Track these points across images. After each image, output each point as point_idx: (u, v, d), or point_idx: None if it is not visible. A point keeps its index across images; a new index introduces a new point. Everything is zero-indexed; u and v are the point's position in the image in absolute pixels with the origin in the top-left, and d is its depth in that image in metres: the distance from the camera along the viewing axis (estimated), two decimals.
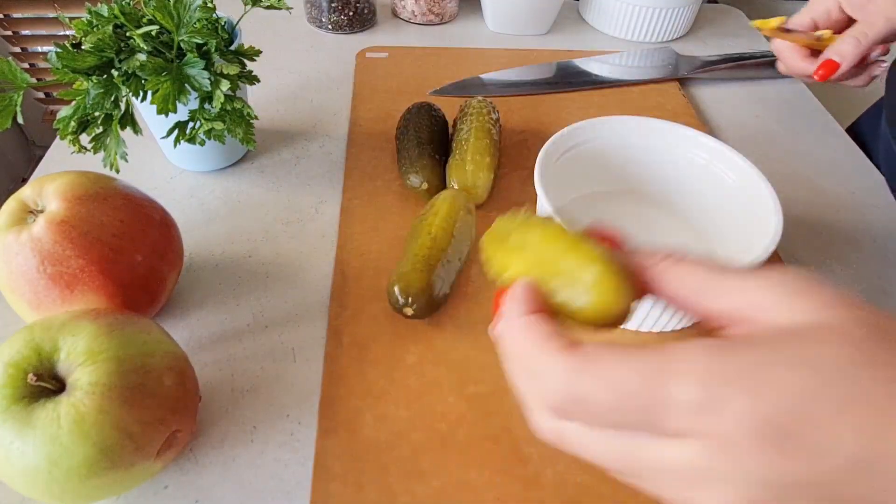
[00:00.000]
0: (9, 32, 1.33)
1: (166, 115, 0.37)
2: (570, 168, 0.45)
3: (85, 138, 0.39)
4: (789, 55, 0.52)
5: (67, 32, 1.33)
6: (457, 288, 0.42)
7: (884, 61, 0.51)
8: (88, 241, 0.32)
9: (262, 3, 0.43)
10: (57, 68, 0.36)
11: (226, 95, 0.39)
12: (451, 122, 0.53)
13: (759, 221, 0.39)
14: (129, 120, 0.39)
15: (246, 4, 0.43)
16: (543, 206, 0.38)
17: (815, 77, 0.49)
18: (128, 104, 0.39)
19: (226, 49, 0.42)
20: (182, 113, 0.40)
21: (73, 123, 0.38)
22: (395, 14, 0.73)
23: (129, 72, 0.37)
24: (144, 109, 0.45)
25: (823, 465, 0.16)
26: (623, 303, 0.20)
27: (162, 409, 0.28)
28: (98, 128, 0.39)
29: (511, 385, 0.21)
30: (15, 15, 1.31)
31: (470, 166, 0.45)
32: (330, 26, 0.69)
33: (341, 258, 0.43)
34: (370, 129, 0.55)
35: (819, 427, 0.16)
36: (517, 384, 0.21)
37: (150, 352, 0.29)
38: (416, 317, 0.38)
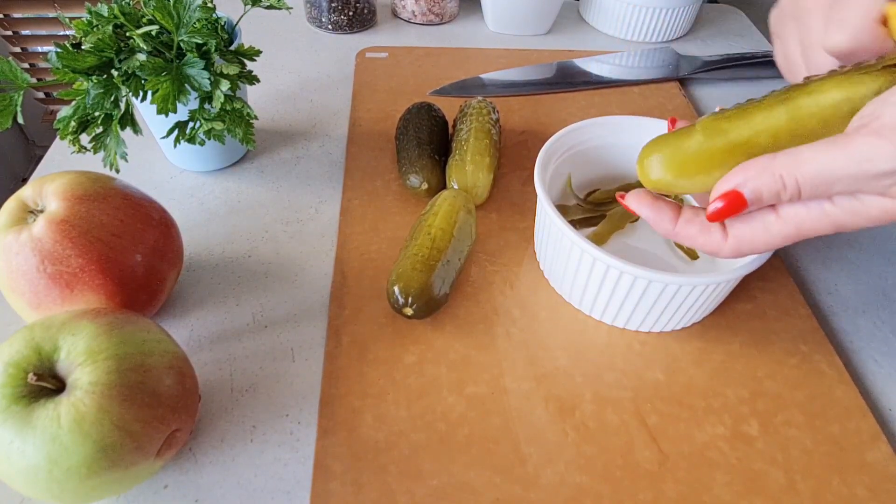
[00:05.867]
0: (9, 32, 1.33)
1: (166, 115, 0.37)
2: (570, 168, 0.45)
3: (85, 138, 0.39)
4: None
5: (67, 32, 1.33)
6: (457, 288, 0.42)
7: None
8: (88, 240, 0.32)
9: (262, 3, 0.43)
10: (57, 68, 0.36)
11: (226, 95, 0.39)
12: (451, 123, 0.53)
13: None
14: (129, 120, 0.39)
15: (246, 4, 0.43)
16: (543, 206, 0.38)
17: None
18: (128, 104, 0.39)
19: (226, 49, 0.42)
20: (182, 113, 0.40)
21: (73, 123, 0.38)
22: (395, 14, 0.73)
23: (129, 72, 0.37)
24: (144, 109, 0.45)
25: None
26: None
27: (162, 408, 0.28)
28: (98, 128, 0.39)
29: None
30: (15, 15, 1.31)
31: (470, 166, 0.45)
32: (330, 26, 0.69)
33: (341, 258, 0.43)
34: (370, 129, 0.55)
35: None
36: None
37: (149, 351, 0.29)
38: (416, 317, 0.38)
